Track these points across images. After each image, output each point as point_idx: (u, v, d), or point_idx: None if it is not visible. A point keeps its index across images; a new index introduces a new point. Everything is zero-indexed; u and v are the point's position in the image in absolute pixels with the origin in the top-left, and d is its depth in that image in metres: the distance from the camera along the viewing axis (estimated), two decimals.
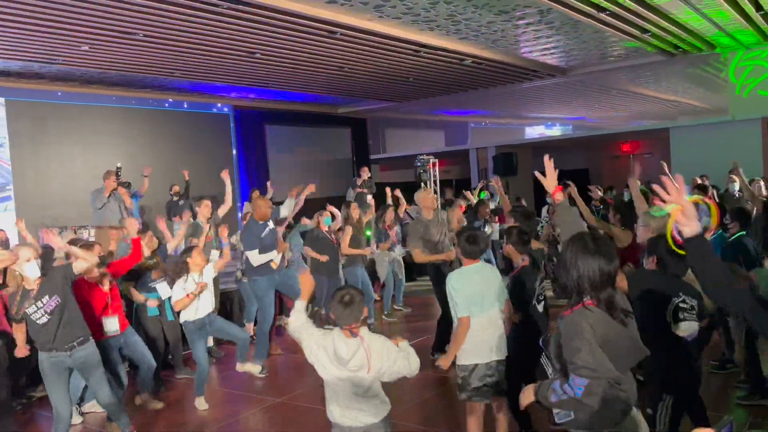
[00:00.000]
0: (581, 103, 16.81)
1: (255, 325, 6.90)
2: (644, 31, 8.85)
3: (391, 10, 7.63)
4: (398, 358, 2.86)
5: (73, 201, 10.00)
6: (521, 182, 16.64)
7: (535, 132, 22.87)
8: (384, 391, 2.99)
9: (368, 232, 8.27)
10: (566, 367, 2.28)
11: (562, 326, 2.35)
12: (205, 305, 5.27)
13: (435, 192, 12.48)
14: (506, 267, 6.59)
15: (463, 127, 21.21)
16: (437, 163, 13.37)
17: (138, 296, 5.77)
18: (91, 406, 5.35)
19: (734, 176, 8.96)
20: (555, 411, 2.38)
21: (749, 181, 8.01)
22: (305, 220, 7.85)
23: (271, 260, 6.17)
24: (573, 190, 5.86)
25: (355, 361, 2.75)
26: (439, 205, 11.19)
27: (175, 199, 10.18)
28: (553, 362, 2.45)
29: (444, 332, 6.19)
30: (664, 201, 2.07)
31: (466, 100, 14.69)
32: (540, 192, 14.24)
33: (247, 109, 13.89)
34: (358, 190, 11.30)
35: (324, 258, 7.34)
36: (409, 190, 14.69)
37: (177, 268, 5.24)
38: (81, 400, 5.29)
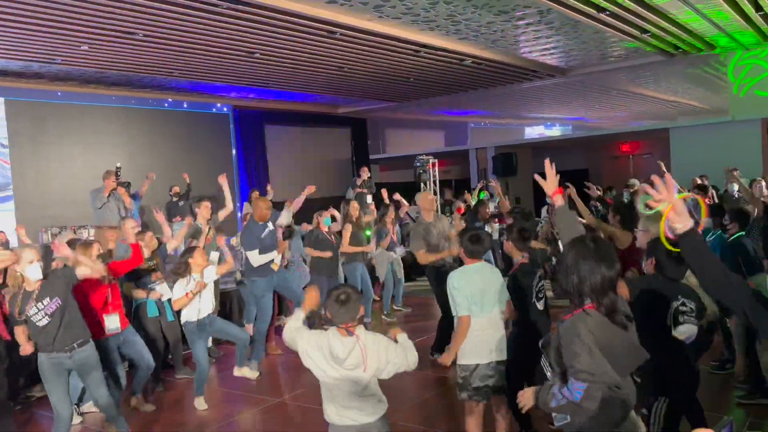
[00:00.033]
0: (581, 103, 16.82)
1: (255, 323, 6.89)
2: (644, 31, 8.85)
3: (390, 10, 7.63)
4: (396, 355, 2.85)
5: (72, 201, 10.00)
6: (521, 182, 16.64)
7: (534, 132, 22.87)
8: (383, 391, 2.98)
9: (368, 232, 8.26)
10: (566, 372, 2.29)
11: (561, 330, 2.35)
12: (206, 306, 5.28)
13: (435, 192, 12.50)
14: (506, 267, 6.61)
15: (463, 128, 21.21)
16: (437, 164, 13.38)
17: (139, 292, 5.75)
18: (90, 406, 5.35)
19: (735, 174, 8.97)
20: (554, 414, 2.39)
21: (750, 181, 8.02)
22: (306, 226, 7.84)
23: (272, 261, 6.17)
24: (572, 191, 5.86)
25: (351, 360, 2.75)
26: (439, 206, 11.21)
27: (174, 199, 10.18)
28: (553, 366, 2.45)
29: (445, 333, 6.20)
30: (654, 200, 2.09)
31: (466, 100, 14.69)
32: (540, 192, 14.21)
33: (247, 109, 13.89)
34: (358, 190, 11.30)
35: (328, 254, 7.31)
36: (409, 190, 14.75)
37: (178, 269, 5.24)
38: (80, 401, 5.29)
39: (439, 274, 5.77)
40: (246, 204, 11.49)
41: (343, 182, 14.05)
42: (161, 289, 5.78)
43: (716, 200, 7.84)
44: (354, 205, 7.67)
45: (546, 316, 4.19)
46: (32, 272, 3.88)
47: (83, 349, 4.08)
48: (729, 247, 5.08)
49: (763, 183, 7.93)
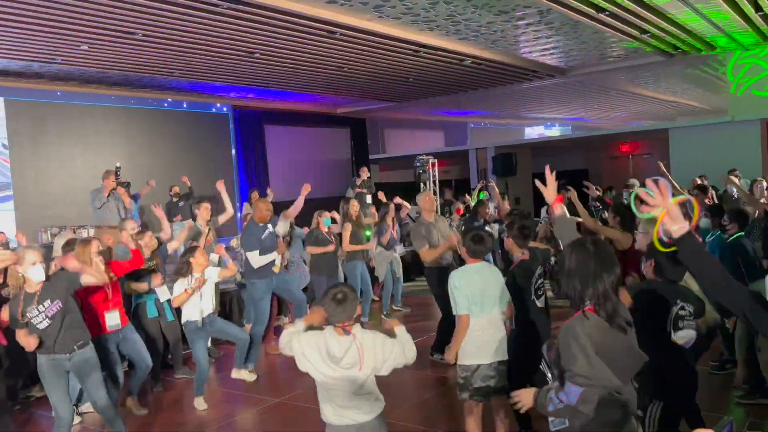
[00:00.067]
0: (580, 103, 16.82)
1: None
2: (643, 31, 8.86)
3: (390, 10, 7.63)
4: (393, 350, 2.85)
5: (72, 201, 10.00)
6: (520, 183, 16.65)
7: (534, 132, 22.88)
8: (383, 391, 2.98)
9: (367, 233, 8.26)
10: (564, 375, 2.29)
11: (560, 333, 2.36)
12: (207, 305, 5.28)
13: (434, 193, 12.50)
14: (505, 267, 6.61)
15: (463, 128, 21.22)
16: (436, 164, 13.39)
17: (140, 285, 5.72)
18: (89, 407, 5.34)
19: (733, 177, 8.96)
20: (551, 418, 2.39)
21: (751, 181, 8.02)
22: (307, 231, 7.84)
23: (273, 261, 6.16)
24: (573, 195, 5.85)
25: (348, 359, 2.74)
26: (439, 207, 11.21)
27: (174, 200, 10.18)
28: (552, 368, 2.46)
29: (445, 333, 6.20)
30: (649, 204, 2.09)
31: (466, 100, 14.70)
32: (539, 192, 14.23)
33: (247, 109, 13.89)
34: (358, 190, 11.30)
35: (331, 247, 7.30)
36: (409, 190, 14.75)
37: (180, 268, 5.25)
38: (78, 401, 5.29)
39: (440, 274, 5.78)
40: (246, 204, 11.50)
41: (343, 182, 14.05)
42: (160, 291, 5.78)
43: (716, 201, 7.84)
44: (354, 204, 7.66)
45: (546, 315, 4.19)
46: (35, 273, 3.86)
47: (83, 351, 4.08)
48: (728, 247, 5.08)
49: (765, 183, 7.93)
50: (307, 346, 2.82)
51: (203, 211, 6.66)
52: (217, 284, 5.60)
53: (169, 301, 5.78)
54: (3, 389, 4.58)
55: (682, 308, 3.19)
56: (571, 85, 13.23)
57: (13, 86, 10.07)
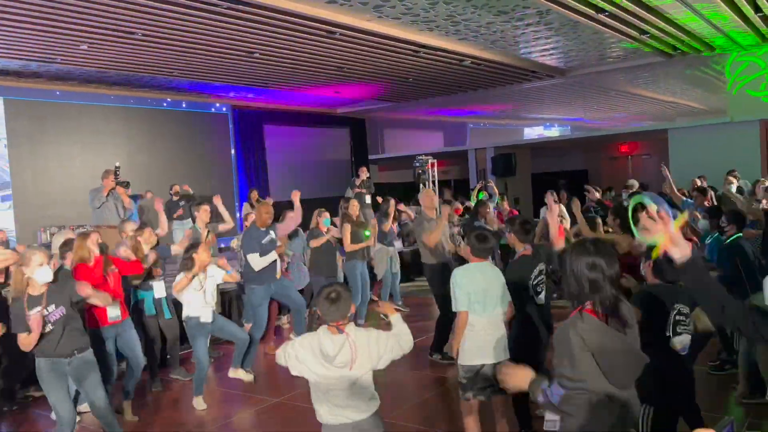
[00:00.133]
0: (580, 104, 16.83)
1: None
2: (643, 32, 8.87)
3: (390, 10, 7.63)
4: (388, 345, 2.85)
5: (71, 200, 10.00)
6: (520, 183, 16.66)
7: (534, 133, 22.88)
8: (383, 391, 2.98)
9: (367, 233, 8.26)
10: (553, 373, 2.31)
11: (555, 334, 2.37)
12: (210, 300, 5.28)
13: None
14: (505, 267, 6.61)
15: (462, 128, 21.22)
16: (436, 164, 13.39)
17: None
18: (87, 407, 5.32)
19: (732, 178, 8.96)
20: (545, 419, 2.40)
21: (754, 182, 8.03)
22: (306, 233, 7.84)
23: (274, 267, 6.17)
24: (576, 205, 5.84)
25: (341, 358, 2.74)
26: (439, 205, 11.21)
27: (175, 199, 10.16)
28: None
29: (442, 333, 6.21)
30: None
31: (465, 100, 14.71)
32: (539, 192, 14.26)
33: (246, 108, 13.89)
34: (357, 190, 11.30)
35: (333, 234, 7.29)
36: (408, 190, 14.72)
37: (185, 264, 5.26)
38: (75, 401, 5.26)
39: (441, 273, 5.79)
40: (246, 204, 11.49)
41: (342, 182, 14.05)
42: (157, 287, 5.77)
43: (714, 202, 7.84)
44: (354, 204, 7.64)
45: (546, 312, 4.19)
46: (42, 275, 3.84)
47: (82, 356, 4.08)
48: (726, 249, 5.07)
49: (767, 183, 7.92)
50: (300, 348, 2.83)
51: (202, 213, 6.65)
52: (217, 285, 5.60)
53: (165, 298, 5.79)
54: None
55: (679, 312, 3.20)
56: (570, 85, 13.24)
57: (12, 86, 10.06)
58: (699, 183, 9.33)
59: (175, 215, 9.48)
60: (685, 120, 17.76)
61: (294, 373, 2.88)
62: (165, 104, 12.37)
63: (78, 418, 5.15)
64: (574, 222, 6.49)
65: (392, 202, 8.66)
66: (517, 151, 16.48)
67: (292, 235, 7.24)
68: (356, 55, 9.53)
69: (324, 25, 7.89)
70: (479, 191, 11.32)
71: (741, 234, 5.10)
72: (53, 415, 4.51)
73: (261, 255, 6.04)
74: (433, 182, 13.19)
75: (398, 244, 8.66)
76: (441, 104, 15.37)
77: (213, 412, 5.28)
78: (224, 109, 13.53)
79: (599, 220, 5.74)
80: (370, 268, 8.37)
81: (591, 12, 7.68)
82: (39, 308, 3.80)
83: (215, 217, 6.97)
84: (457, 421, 4.01)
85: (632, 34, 8.96)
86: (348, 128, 16.39)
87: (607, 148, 19.84)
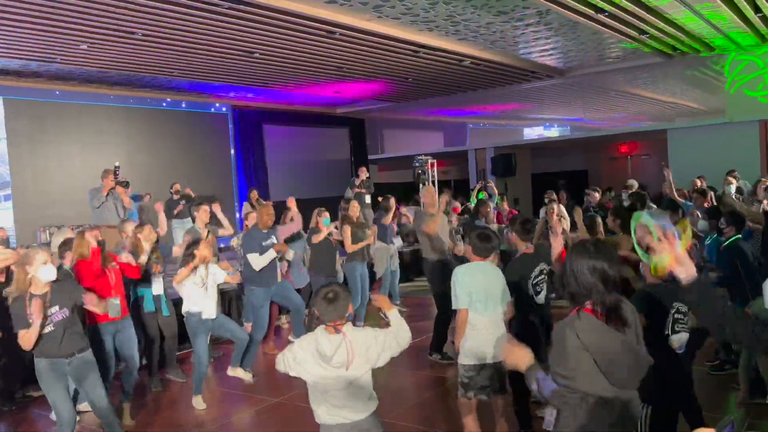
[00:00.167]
0: (579, 104, 16.84)
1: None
2: (642, 32, 8.87)
3: (390, 10, 7.63)
4: (386, 342, 2.85)
5: (71, 200, 9.99)
6: (519, 183, 16.67)
7: (533, 133, 22.90)
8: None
9: (367, 232, 8.26)
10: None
11: (553, 331, 2.38)
12: (212, 296, 5.29)
13: None
14: (504, 267, 6.61)
15: (462, 128, 21.23)
16: (435, 164, 13.40)
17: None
18: (87, 406, 5.32)
19: (731, 178, 8.97)
20: (545, 419, 2.41)
21: (756, 182, 8.03)
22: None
23: (276, 269, 6.18)
24: (578, 213, 5.83)
25: (338, 357, 2.74)
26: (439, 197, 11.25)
27: (175, 197, 10.15)
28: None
29: (441, 332, 6.22)
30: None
31: (465, 100, 14.71)
32: (538, 192, 14.27)
33: (246, 108, 13.89)
34: (357, 190, 11.30)
35: (331, 227, 7.31)
36: (408, 190, 14.72)
37: (184, 260, 5.26)
38: (75, 400, 5.26)
39: (445, 269, 5.80)
40: (245, 204, 11.50)
41: (342, 182, 14.05)
42: (155, 284, 5.77)
43: (714, 202, 7.85)
44: (354, 205, 7.62)
45: (546, 312, 4.19)
46: (46, 273, 3.84)
47: (82, 356, 4.08)
48: (726, 250, 5.07)
49: None
50: (299, 349, 2.83)
51: (202, 213, 6.66)
52: (217, 285, 5.61)
53: (164, 295, 5.79)
54: None
55: (678, 311, 3.20)
56: (569, 85, 13.24)
57: (12, 85, 10.05)
58: (699, 183, 9.34)
59: (175, 211, 9.50)
60: (685, 120, 17.78)
61: (292, 373, 2.88)
62: (165, 104, 12.36)
63: (78, 418, 5.16)
64: (573, 223, 6.49)
65: (392, 200, 8.69)
66: (517, 152, 16.50)
67: (295, 238, 7.25)
68: (356, 55, 9.53)
69: (324, 25, 7.89)
70: (479, 191, 11.33)
71: (740, 235, 5.11)
72: (53, 416, 4.51)
73: (260, 252, 6.05)
74: (433, 182, 13.20)
75: (398, 241, 8.66)
76: (441, 104, 15.37)
77: (212, 411, 5.28)
78: (224, 109, 13.53)
79: (599, 220, 5.75)
80: (370, 267, 8.37)
81: (590, 12, 7.68)
82: (39, 297, 3.80)
83: (215, 222, 6.98)
84: (457, 421, 4.01)
85: (632, 35, 8.96)
86: (348, 128, 16.39)
87: (606, 148, 19.85)
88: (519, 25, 8.54)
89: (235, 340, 5.75)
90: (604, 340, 2.23)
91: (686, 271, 2.08)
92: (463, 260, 4.92)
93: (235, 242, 7.50)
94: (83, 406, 5.31)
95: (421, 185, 12.83)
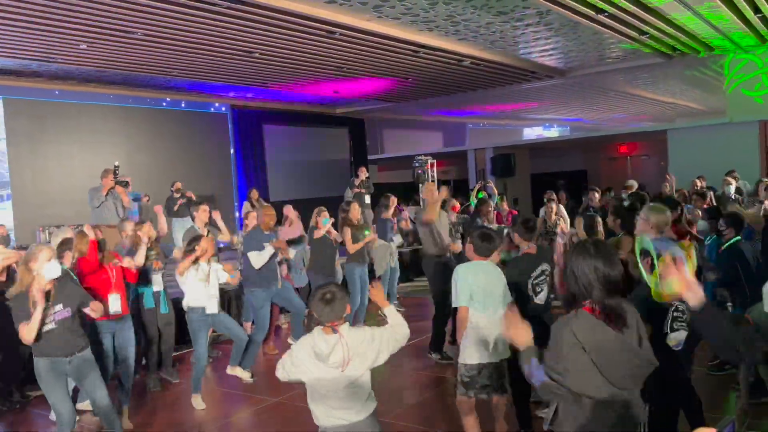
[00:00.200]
0: (579, 104, 16.85)
1: (252, 324, 6.89)
2: (642, 32, 8.87)
3: (390, 10, 7.63)
4: (383, 340, 2.84)
5: (70, 199, 9.98)
6: (519, 183, 16.67)
7: (533, 133, 22.91)
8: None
9: (366, 232, 8.25)
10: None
11: (552, 327, 2.37)
12: (214, 291, 5.30)
13: None
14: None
15: (461, 128, 21.23)
16: (435, 164, 13.40)
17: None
18: (86, 405, 5.30)
19: (730, 179, 8.97)
20: (545, 419, 2.41)
21: (756, 182, 8.04)
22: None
23: (276, 273, 6.19)
24: (579, 223, 5.82)
25: (335, 357, 2.74)
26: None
27: (176, 195, 10.14)
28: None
29: (440, 332, 6.22)
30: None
31: (465, 100, 14.71)
32: (538, 192, 14.27)
33: (245, 108, 13.89)
34: (356, 190, 11.30)
35: (330, 226, 7.31)
36: (408, 190, 14.73)
37: (186, 253, 5.27)
38: (74, 400, 5.25)
39: (446, 268, 5.80)
40: (246, 203, 11.50)
41: (341, 182, 14.06)
42: (155, 280, 5.77)
43: (714, 202, 7.86)
44: (355, 207, 7.58)
45: (547, 312, 4.19)
46: (51, 270, 3.83)
47: (82, 354, 4.08)
48: (726, 253, 5.07)
49: None
50: (296, 351, 2.83)
51: (201, 213, 6.65)
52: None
53: (164, 291, 5.78)
54: None
55: (676, 309, 3.20)
56: (570, 86, 13.25)
57: (11, 85, 10.05)
58: (699, 184, 9.35)
59: (175, 207, 9.52)
60: (685, 121, 17.79)
61: (292, 377, 2.87)
62: (164, 104, 12.36)
63: (77, 418, 5.15)
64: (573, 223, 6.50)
65: (393, 198, 8.71)
66: (517, 152, 16.49)
67: (297, 241, 7.26)
68: (356, 55, 9.53)
69: (324, 25, 7.89)
70: (478, 191, 11.33)
71: (739, 237, 5.11)
72: (52, 416, 4.51)
73: (261, 261, 6.05)
74: (433, 182, 13.20)
75: (397, 238, 8.67)
76: (440, 104, 15.37)
77: (212, 411, 5.27)
78: (223, 108, 13.52)
79: (599, 220, 5.74)
80: (370, 266, 8.36)
81: (591, 13, 7.68)
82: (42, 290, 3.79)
83: (213, 225, 6.99)
84: (457, 421, 4.00)
85: (632, 35, 8.97)
86: (347, 128, 16.39)
87: (606, 148, 19.86)
88: (519, 25, 8.55)
89: (234, 339, 5.75)
90: (601, 338, 2.22)
91: (695, 297, 2.11)
92: (462, 259, 4.92)
93: (235, 240, 7.49)
94: (82, 405, 5.31)
95: (420, 185, 12.84)
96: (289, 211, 7.14)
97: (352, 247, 7.32)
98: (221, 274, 5.43)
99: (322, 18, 7.59)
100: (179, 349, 6.50)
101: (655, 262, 2.36)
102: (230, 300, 7.64)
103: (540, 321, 4.13)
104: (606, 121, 21.13)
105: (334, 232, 7.34)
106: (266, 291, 6.15)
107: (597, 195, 9.44)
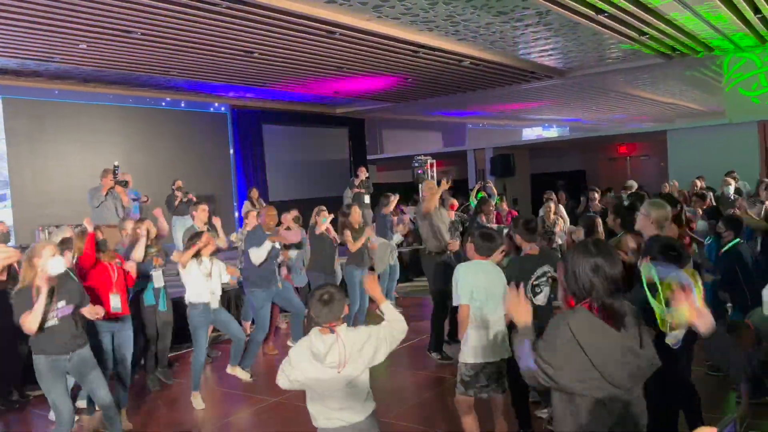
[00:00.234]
0: (579, 105, 16.85)
1: (252, 323, 6.89)
2: (642, 33, 8.88)
3: (389, 10, 7.63)
4: (381, 337, 2.84)
5: (70, 199, 9.98)
6: (518, 183, 16.67)
7: (532, 133, 22.92)
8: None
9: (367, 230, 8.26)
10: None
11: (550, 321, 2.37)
12: (216, 287, 5.31)
13: None
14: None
15: (461, 128, 21.24)
16: (435, 164, 13.40)
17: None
18: (85, 403, 5.30)
19: (730, 179, 8.97)
20: (545, 419, 2.41)
21: (757, 182, 8.05)
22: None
23: (277, 275, 6.20)
24: (579, 233, 5.81)
25: (331, 357, 2.74)
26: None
27: (177, 193, 10.14)
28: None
29: (439, 331, 6.21)
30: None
31: (464, 101, 14.71)
32: (537, 193, 14.27)
33: (245, 108, 13.89)
34: (356, 190, 11.29)
35: (334, 238, 7.31)
36: (407, 190, 14.75)
37: (188, 245, 5.27)
38: (72, 399, 5.25)
39: (447, 268, 5.80)
40: (246, 203, 11.50)
41: (341, 182, 14.06)
42: (156, 277, 5.76)
43: (713, 203, 7.87)
44: (356, 210, 7.55)
45: (548, 313, 4.18)
46: (56, 265, 3.82)
47: (81, 352, 4.07)
48: (725, 255, 5.06)
49: None
50: (294, 352, 2.83)
51: (200, 212, 6.65)
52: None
53: (164, 288, 5.79)
54: None
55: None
56: (569, 86, 13.25)
57: (10, 84, 10.05)
58: (699, 184, 9.36)
59: (176, 203, 9.53)
60: (684, 121, 17.80)
61: (292, 380, 2.85)
62: (164, 104, 12.36)
63: (77, 417, 5.14)
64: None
65: (393, 198, 8.72)
66: (516, 152, 16.49)
67: (298, 245, 7.27)
68: (356, 55, 9.53)
69: (323, 25, 7.89)
70: (478, 191, 11.33)
71: (738, 239, 5.11)
72: (51, 415, 4.50)
73: (260, 256, 6.05)
74: (432, 180, 13.22)
75: (397, 236, 8.67)
76: (440, 104, 15.37)
77: (211, 411, 5.27)
78: (223, 108, 13.52)
79: (599, 220, 5.74)
80: (371, 269, 8.36)
81: (590, 13, 7.69)
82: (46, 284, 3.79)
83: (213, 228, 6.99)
84: (457, 420, 4.00)
85: (631, 36, 8.97)
86: (347, 128, 16.39)
87: (605, 148, 19.88)
88: (519, 26, 8.55)
89: (232, 339, 5.75)
90: (598, 336, 2.21)
91: (705, 324, 2.12)
92: (462, 259, 4.92)
93: (235, 237, 7.49)
94: (81, 403, 5.31)
95: (420, 185, 12.85)
96: (287, 220, 7.16)
97: (353, 245, 7.31)
98: (224, 271, 5.44)
99: (322, 18, 7.60)
100: (179, 349, 6.49)
101: (659, 288, 2.33)
102: (230, 300, 7.64)
103: (541, 323, 4.14)
104: (605, 121, 21.14)
105: (333, 232, 7.33)
106: (266, 291, 6.15)
107: (597, 195, 9.44)
